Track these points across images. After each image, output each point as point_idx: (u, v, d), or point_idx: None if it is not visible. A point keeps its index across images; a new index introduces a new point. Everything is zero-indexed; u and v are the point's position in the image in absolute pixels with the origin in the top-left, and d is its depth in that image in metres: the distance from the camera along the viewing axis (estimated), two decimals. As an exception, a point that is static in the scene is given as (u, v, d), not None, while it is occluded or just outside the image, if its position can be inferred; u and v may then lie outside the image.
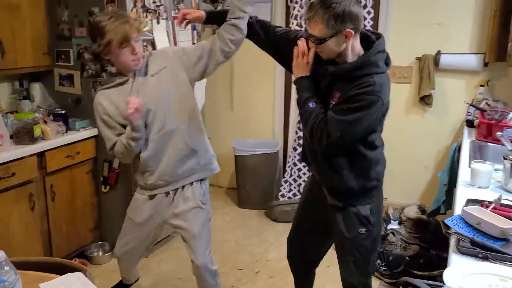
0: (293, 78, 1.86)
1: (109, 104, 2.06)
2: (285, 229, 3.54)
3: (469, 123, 3.04)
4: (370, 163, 1.83)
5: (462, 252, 1.39)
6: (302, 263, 2.26)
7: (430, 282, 1.14)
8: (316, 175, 1.96)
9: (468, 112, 3.13)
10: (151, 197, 2.23)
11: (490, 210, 1.60)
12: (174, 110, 2.09)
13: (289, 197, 3.90)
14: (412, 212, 3.33)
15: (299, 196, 3.90)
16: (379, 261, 2.94)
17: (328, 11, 1.60)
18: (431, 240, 3.07)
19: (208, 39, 2.15)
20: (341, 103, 1.71)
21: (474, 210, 1.57)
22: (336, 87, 1.76)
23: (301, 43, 1.79)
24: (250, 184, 3.96)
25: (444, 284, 1.17)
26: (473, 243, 1.40)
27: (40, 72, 3.06)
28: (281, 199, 3.89)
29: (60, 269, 1.51)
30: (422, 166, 3.65)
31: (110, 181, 3.06)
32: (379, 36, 1.79)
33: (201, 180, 2.27)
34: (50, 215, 2.79)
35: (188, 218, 2.22)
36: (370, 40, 1.76)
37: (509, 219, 1.55)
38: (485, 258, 1.34)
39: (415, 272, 2.85)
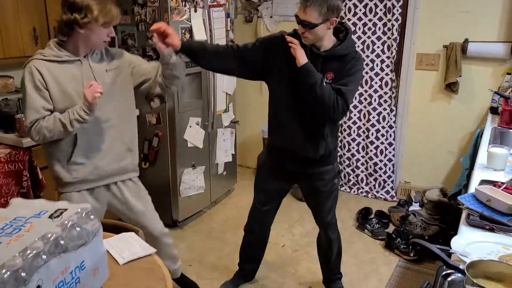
0: (301, 63, 2.03)
1: (49, 76, 1.93)
2: (309, 208, 3.76)
3: (493, 110, 3.12)
4: (338, 127, 2.34)
5: (471, 224, 1.54)
6: (264, 231, 2.65)
7: (437, 246, 1.31)
8: (294, 147, 2.23)
9: (493, 99, 3.20)
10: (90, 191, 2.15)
11: (502, 190, 1.75)
12: (119, 107, 2.12)
13: (315, 179, 4.07)
14: (434, 195, 3.46)
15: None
16: (398, 239, 3.09)
17: (323, 2, 1.91)
18: (451, 222, 3.19)
19: (154, 66, 2.21)
20: (344, 77, 2.06)
21: (486, 189, 1.72)
22: (327, 67, 2.07)
23: (290, 38, 2.07)
24: (278, 165, 4.15)
25: (451, 248, 1.34)
26: (482, 217, 1.56)
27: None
28: (307, 180, 4.07)
29: (116, 230, 1.75)
30: (447, 151, 3.75)
31: (150, 158, 3.32)
32: (341, 22, 2.17)
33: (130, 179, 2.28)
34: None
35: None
36: (336, 26, 2.08)
37: (519, 198, 1.69)
38: (491, 230, 1.49)
39: (434, 250, 3.00)
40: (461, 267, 1.19)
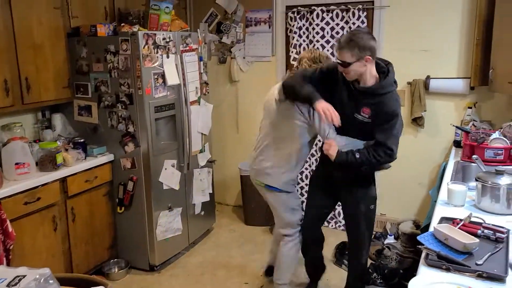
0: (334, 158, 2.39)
1: None
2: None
3: (457, 144, 3.26)
4: None
5: (429, 264, 1.61)
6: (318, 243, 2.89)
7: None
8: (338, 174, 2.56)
9: (456, 133, 3.34)
10: None
11: (460, 227, 1.82)
12: None
13: (292, 214, 4.12)
14: (407, 227, 3.54)
15: (302, 213, 4.12)
16: (375, 274, 3.14)
17: (354, 44, 2.19)
18: (425, 253, 3.25)
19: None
20: (383, 123, 2.29)
21: (444, 227, 1.79)
22: (363, 103, 2.31)
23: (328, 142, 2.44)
24: (255, 202, 4.19)
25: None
26: (439, 256, 1.62)
27: (61, 104, 3.35)
28: (284, 216, 4.11)
29: (85, 285, 1.74)
30: (417, 183, 3.86)
31: (125, 202, 3.33)
32: (387, 63, 2.37)
33: None
34: (71, 235, 3.06)
35: None
36: (380, 66, 2.33)
37: (475, 235, 1.77)
38: (447, 269, 1.56)
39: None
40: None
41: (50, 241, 2.90)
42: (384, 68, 2.33)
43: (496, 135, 2.82)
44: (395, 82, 2.35)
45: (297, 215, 2.80)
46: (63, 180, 2.95)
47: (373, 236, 3.79)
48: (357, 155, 2.33)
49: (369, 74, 2.28)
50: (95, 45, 3.21)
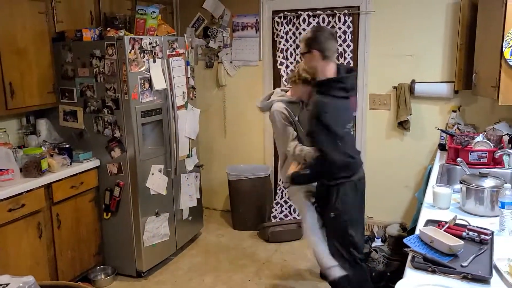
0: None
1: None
2: (277, 249, 3.79)
3: (442, 147, 3.30)
4: None
5: (415, 266, 1.62)
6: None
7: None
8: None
9: (441, 136, 3.38)
10: None
11: (445, 230, 1.84)
12: None
13: (280, 218, 4.12)
14: (394, 230, 3.57)
15: (290, 217, 4.14)
16: (362, 277, 3.15)
17: (307, 38, 2.42)
18: (412, 256, 3.28)
19: None
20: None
21: (429, 230, 1.81)
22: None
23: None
24: (243, 206, 4.19)
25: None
26: (425, 259, 1.64)
27: (46, 109, 3.31)
28: (272, 220, 4.12)
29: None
30: (403, 186, 3.90)
31: (111, 208, 3.29)
32: (351, 70, 2.57)
33: None
34: (56, 242, 3.02)
35: None
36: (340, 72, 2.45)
37: (460, 237, 1.79)
38: (433, 272, 1.57)
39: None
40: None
41: (35, 248, 2.85)
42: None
43: (480, 138, 2.86)
44: (343, 88, 2.38)
45: None
46: (48, 186, 2.91)
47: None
48: (306, 171, 2.50)
49: (321, 73, 2.41)
50: (80, 50, 3.18)
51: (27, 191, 2.75)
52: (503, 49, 2.67)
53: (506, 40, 2.66)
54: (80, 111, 3.28)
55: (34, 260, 2.85)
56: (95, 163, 3.25)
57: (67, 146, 3.20)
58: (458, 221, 1.94)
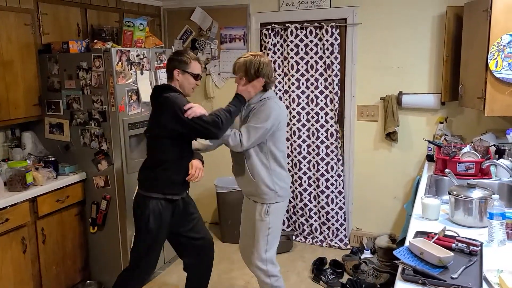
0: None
1: None
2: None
3: (430, 158, 3.31)
4: None
5: (406, 279, 1.61)
6: None
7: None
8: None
9: (428, 147, 3.40)
10: None
11: (434, 241, 1.84)
12: None
13: (269, 231, 4.08)
14: (383, 241, 3.55)
15: (279, 229, 4.09)
16: (352, 289, 3.13)
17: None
18: (401, 267, 3.27)
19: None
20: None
21: (419, 241, 1.80)
22: None
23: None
24: (231, 219, 4.14)
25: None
26: (415, 271, 1.62)
27: (31, 122, 3.26)
28: (262, 232, 4.07)
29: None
30: (392, 197, 3.90)
31: (98, 222, 3.24)
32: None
33: None
34: (41, 257, 2.95)
35: None
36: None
37: (449, 249, 1.79)
38: (423, 284, 1.56)
39: (386, 298, 3.05)
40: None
41: (19, 264, 2.79)
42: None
43: (467, 149, 2.88)
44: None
45: None
46: (33, 200, 2.86)
47: (350, 251, 3.81)
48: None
49: (180, 88, 2.75)
50: (67, 62, 3.15)
51: (11, 205, 2.70)
52: (489, 61, 2.71)
53: (491, 52, 2.70)
54: (67, 124, 3.23)
55: (19, 276, 2.78)
56: (81, 176, 3.21)
57: (53, 159, 3.15)
58: (447, 232, 1.95)
